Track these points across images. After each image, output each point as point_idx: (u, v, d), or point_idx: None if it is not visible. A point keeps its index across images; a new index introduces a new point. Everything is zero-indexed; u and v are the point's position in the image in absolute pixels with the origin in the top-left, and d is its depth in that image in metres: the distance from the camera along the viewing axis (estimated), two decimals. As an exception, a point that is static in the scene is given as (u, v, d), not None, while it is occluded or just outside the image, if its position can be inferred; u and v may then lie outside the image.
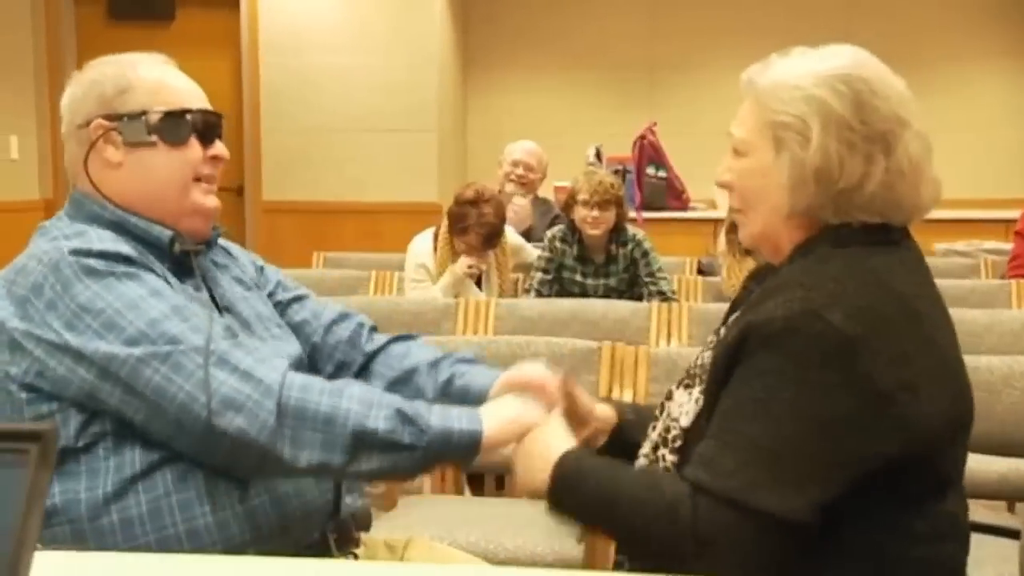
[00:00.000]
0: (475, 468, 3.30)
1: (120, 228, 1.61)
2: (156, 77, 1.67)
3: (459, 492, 3.17)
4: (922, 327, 1.38)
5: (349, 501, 1.69)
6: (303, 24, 6.78)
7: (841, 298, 1.33)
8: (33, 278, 1.52)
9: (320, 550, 1.62)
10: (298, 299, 1.85)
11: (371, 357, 1.82)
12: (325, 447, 1.47)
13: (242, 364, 1.48)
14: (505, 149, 5.30)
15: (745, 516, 1.30)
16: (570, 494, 1.45)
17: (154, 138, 1.63)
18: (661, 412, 1.58)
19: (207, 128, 1.67)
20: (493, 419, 1.55)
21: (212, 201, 1.69)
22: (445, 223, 4.26)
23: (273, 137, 6.84)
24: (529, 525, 2.47)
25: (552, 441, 1.51)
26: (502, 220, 4.25)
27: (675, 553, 1.34)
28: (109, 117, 1.63)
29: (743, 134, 1.48)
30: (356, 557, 1.69)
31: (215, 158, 1.69)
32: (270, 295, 1.82)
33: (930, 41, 7.30)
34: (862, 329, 1.32)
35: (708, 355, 1.53)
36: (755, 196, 1.48)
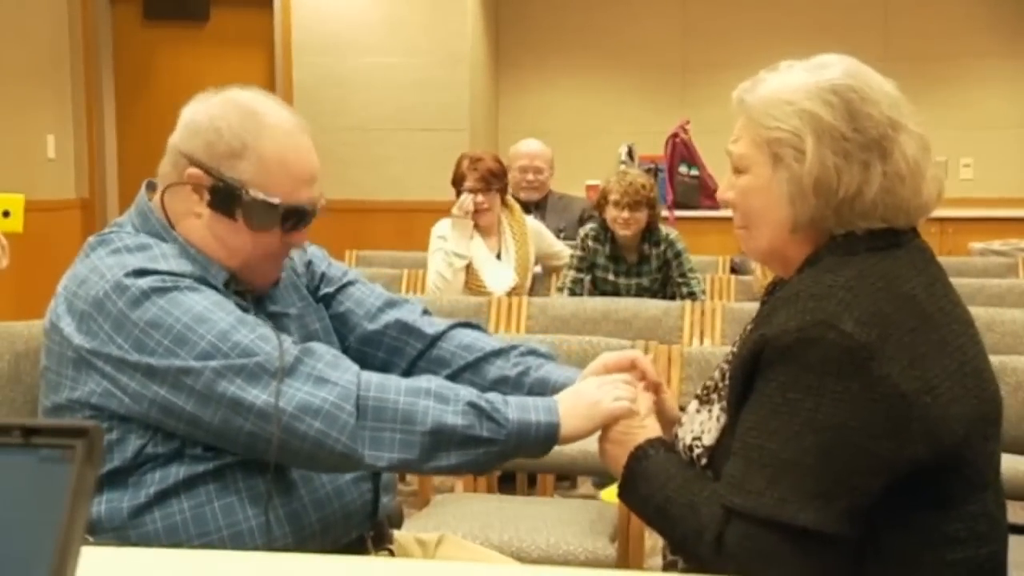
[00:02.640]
0: (506, 468, 3.32)
1: (183, 251, 1.59)
2: (272, 154, 1.58)
3: (491, 491, 3.17)
4: (936, 328, 1.37)
5: (386, 501, 1.69)
6: (336, 24, 6.80)
7: (852, 305, 1.33)
8: (94, 293, 1.51)
9: (357, 549, 1.63)
10: (342, 289, 1.81)
11: (433, 342, 1.78)
12: (404, 446, 1.47)
13: (315, 370, 1.48)
14: (510, 153, 5.31)
15: (779, 534, 1.31)
16: (633, 492, 1.49)
17: (238, 215, 1.57)
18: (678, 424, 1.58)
19: (296, 221, 1.61)
20: (570, 409, 1.54)
21: (275, 275, 1.67)
22: None
23: (306, 136, 6.86)
24: (561, 524, 2.47)
25: (631, 431, 1.54)
26: (501, 167, 4.37)
27: (709, 570, 1.36)
28: (208, 172, 1.57)
29: (740, 152, 1.49)
30: (392, 553, 1.70)
31: (292, 243, 1.65)
32: (315, 290, 1.79)
33: (968, 38, 7.21)
34: (875, 334, 1.31)
35: (719, 371, 1.53)
36: (758, 213, 1.48)
